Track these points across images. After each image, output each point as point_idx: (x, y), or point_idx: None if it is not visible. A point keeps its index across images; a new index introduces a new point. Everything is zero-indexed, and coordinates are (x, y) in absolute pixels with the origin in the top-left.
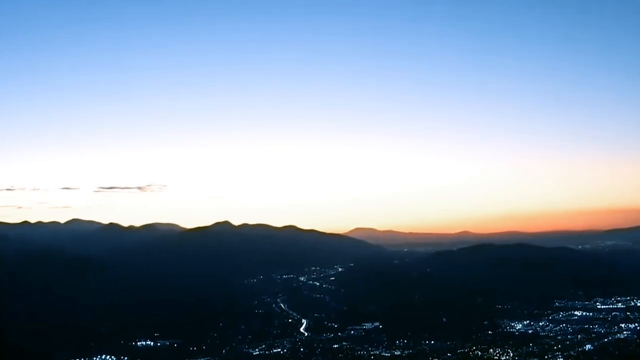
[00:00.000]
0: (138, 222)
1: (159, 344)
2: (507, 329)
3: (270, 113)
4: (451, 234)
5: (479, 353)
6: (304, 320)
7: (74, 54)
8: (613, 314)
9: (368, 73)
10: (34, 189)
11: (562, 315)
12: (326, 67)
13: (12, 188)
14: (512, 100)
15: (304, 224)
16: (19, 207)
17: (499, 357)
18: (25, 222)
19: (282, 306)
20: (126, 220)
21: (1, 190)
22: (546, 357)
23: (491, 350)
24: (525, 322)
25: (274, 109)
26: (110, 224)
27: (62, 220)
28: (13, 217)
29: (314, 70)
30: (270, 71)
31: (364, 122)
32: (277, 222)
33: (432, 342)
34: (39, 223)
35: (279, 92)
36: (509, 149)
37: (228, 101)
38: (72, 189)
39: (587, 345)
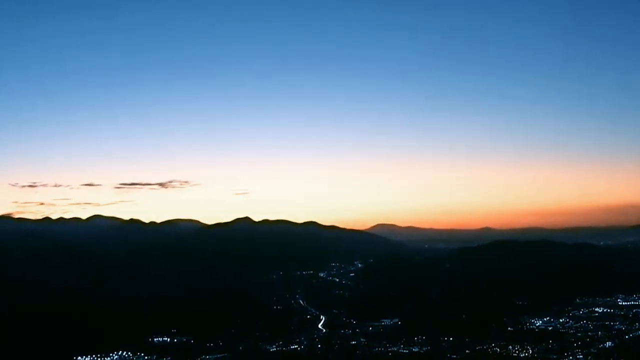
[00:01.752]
0: (159, 219)
1: (175, 340)
2: (527, 326)
3: (291, 109)
4: (472, 230)
5: (498, 350)
6: (322, 317)
7: (95, 50)
8: (634, 310)
9: (385, 69)
10: (56, 186)
11: (582, 311)
12: (346, 60)
13: (34, 184)
14: (532, 96)
15: (325, 220)
16: (41, 204)
17: (518, 354)
18: (47, 219)
19: (301, 302)
20: (147, 216)
21: (23, 186)
22: (566, 354)
23: (510, 347)
24: (545, 319)
25: (295, 105)
26: (131, 220)
27: (84, 217)
28: (35, 214)
29: (337, 64)
30: (296, 66)
31: (386, 118)
32: (298, 218)
33: (451, 338)
34: (61, 219)
35: (301, 88)
36: (533, 144)
37: (250, 97)
38: (94, 185)
39: (607, 343)
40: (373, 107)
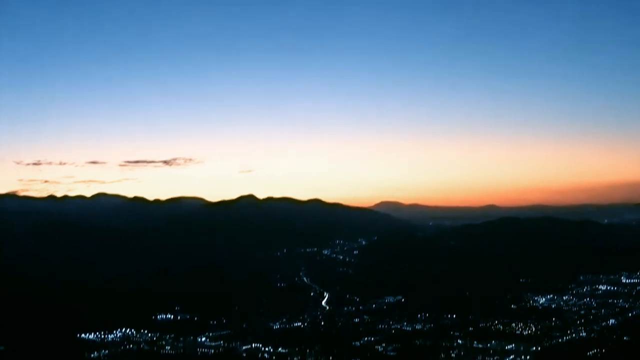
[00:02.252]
0: (164, 196)
1: (179, 318)
2: (530, 303)
3: (295, 86)
4: (477, 207)
5: (501, 327)
6: (326, 294)
7: (99, 26)
8: (638, 288)
9: (387, 46)
10: (61, 164)
11: (586, 289)
12: (349, 36)
13: (38, 163)
14: (538, 73)
15: (329, 198)
16: (46, 182)
17: (521, 331)
18: (51, 197)
19: (305, 280)
20: (152, 194)
21: (28, 164)
22: (569, 331)
23: (513, 324)
24: (548, 296)
25: (299, 82)
26: (135, 197)
27: (88, 195)
28: (40, 192)
29: (340, 40)
30: (300, 43)
31: (391, 95)
32: (302, 195)
33: (454, 315)
34: (65, 197)
35: (305, 65)
36: (538, 121)
37: (254, 75)
38: (98, 163)
39: (610, 320)
40: (377, 83)
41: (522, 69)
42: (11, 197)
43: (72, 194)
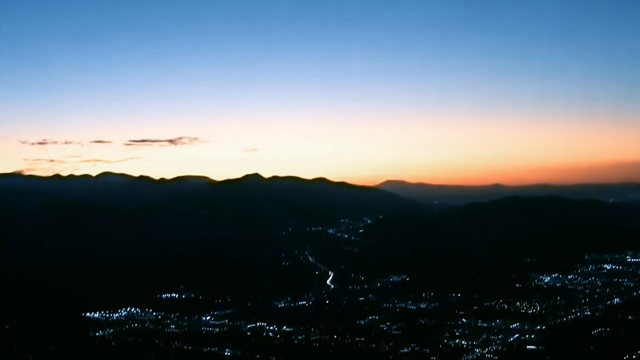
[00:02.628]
0: (169, 175)
1: (184, 297)
2: (535, 282)
3: (300, 65)
4: (483, 186)
5: (506, 306)
6: (330, 273)
7: (103, 4)
8: None
9: (392, 22)
10: (66, 143)
11: (591, 268)
12: (353, 14)
13: (44, 142)
14: (543, 52)
15: (334, 176)
16: (51, 161)
17: (525, 310)
18: (57, 176)
19: (310, 258)
20: (157, 173)
21: (33, 143)
22: (574, 310)
23: (518, 303)
24: (553, 275)
25: (305, 61)
26: (141, 176)
27: (94, 174)
28: (45, 171)
29: (344, 18)
30: (304, 20)
31: (396, 73)
32: (307, 174)
33: (459, 294)
34: (71, 176)
35: (309, 43)
36: (543, 100)
37: (259, 53)
38: (103, 142)
39: (615, 299)
40: (383, 60)
41: (526, 48)
42: (17, 176)
43: (77, 173)
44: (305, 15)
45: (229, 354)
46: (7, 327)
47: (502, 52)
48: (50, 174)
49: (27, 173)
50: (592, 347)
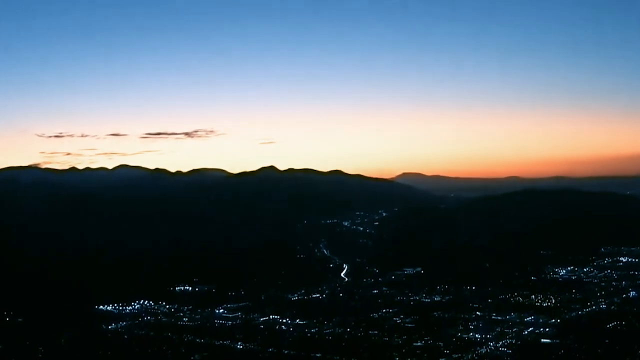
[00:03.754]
0: (185, 168)
1: (197, 289)
2: (550, 275)
3: (317, 57)
4: (499, 178)
5: (520, 299)
6: (345, 265)
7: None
8: None
9: (409, 15)
10: (82, 136)
11: (607, 261)
12: (370, 6)
13: (60, 135)
14: (559, 44)
15: (350, 169)
16: (68, 154)
17: (540, 303)
18: (73, 168)
19: (324, 251)
20: (173, 165)
21: (50, 137)
22: (589, 303)
23: (533, 296)
24: (569, 268)
25: (320, 53)
26: (157, 169)
27: (110, 167)
28: (62, 164)
29: (362, 11)
30: (321, 14)
31: (413, 65)
32: (323, 166)
33: (474, 287)
34: (87, 169)
35: (326, 36)
36: (561, 93)
37: (276, 46)
38: (120, 135)
39: (631, 292)
40: (399, 54)
41: (542, 40)
42: (33, 169)
43: (93, 166)
44: (321, 9)
45: (241, 347)
46: (20, 319)
47: (519, 45)
48: (66, 167)
49: (43, 166)
50: (607, 341)
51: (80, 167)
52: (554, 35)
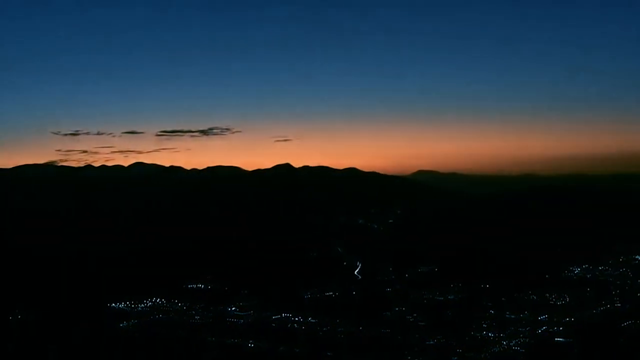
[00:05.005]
0: (201, 165)
1: (209, 287)
2: (565, 273)
3: (332, 55)
4: (516, 176)
5: (534, 298)
6: (359, 263)
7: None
8: None
9: (425, 12)
10: (98, 134)
11: (622, 259)
12: (389, 5)
13: (76, 133)
14: (574, 42)
15: (365, 166)
16: (84, 152)
17: (554, 301)
18: (89, 166)
19: (338, 249)
20: (189, 163)
21: (66, 134)
22: (604, 302)
23: (547, 294)
24: (584, 266)
25: (335, 51)
26: (172, 167)
27: (126, 164)
28: (78, 162)
29: (379, 9)
30: (337, 11)
31: (427, 63)
32: (338, 164)
33: (487, 285)
34: (103, 167)
35: (341, 33)
36: (577, 89)
37: (290, 44)
38: (136, 133)
39: None
40: (414, 50)
41: (557, 37)
42: (49, 167)
43: (109, 164)
44: (335, 6)
45: (252, 345)
46: (31, 317)
47: (533, 42)
48: (82, 164)
49: (59, 164)
50: (621, 340)
51: (96, 164)
52: (568, 34)
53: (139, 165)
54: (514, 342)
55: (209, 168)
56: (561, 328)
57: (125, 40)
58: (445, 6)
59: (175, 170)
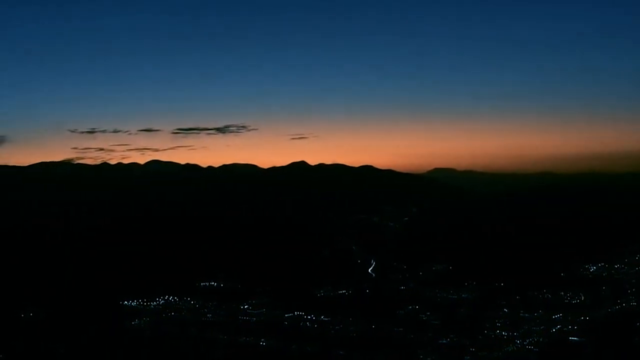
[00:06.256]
0: (217, 163)
1: (222, 285)
2: (580, 271)
3: (348, 52)
4: (531, 174)
5: (549, 296)
6: (372, 261)
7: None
8: None
9: (444, 12)
10: (115, 132)
11: (638, 257)
12: (398, 10)
13: (93, 130)
14: (590, 39)
15: (381, 164)
16: (100, 149)
17: (569, 300)
18: (105, 164)
19: (353, 247)
20: (205, 161)
21: (82, 132)
22: (619, 300)
23: (562, 293)
24: (599, 265)
25: (353, 50)
26: (188, 164)
27: (142, 162)
28: (94, 160)
29: (396, 6)
30: (352, 9)
31: (444, 59)
32: (354, 161)
33: (502, 284)
34: (119, 164)
35: (356, 31)
36: (595, 87)
37: (306, 41)
38: (152, 131)
39: None
40: (431, 47)
41: (573, 41)
42: (66, 164)
43: (125, 161)
44: (353, 4)
45: (263, 344)
46: (41, 315)
47: (553, 39)
48: (98, 162)
49: (76, 162)
50: (636, 339)
51: (113, 162)
52: (594, 30)
53: (155, 163)
54: (527, 341)
55: (225, 166)
56: (576, 327)
57: (142, 40)
58: (464, 3)
59: (192, 168)
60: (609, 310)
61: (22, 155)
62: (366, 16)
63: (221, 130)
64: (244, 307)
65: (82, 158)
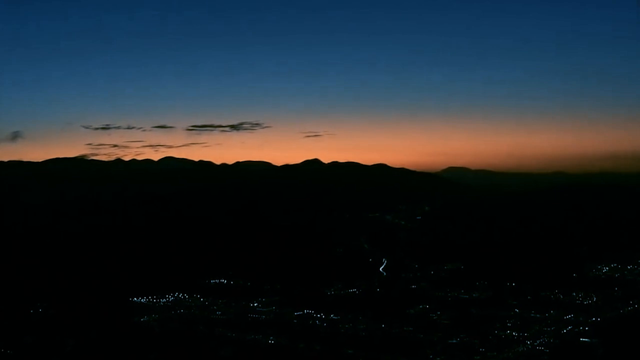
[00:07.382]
0: (230, 160)
1: (231, 283)
2: (592, 272)
3: (362, 53)
4: (545, 173)
5: (561, 297)
6: (384, 260)
7: None
8: None
9: (458, 11)
10: (129, 128)
11: None
12: (412, 9)
13: (107, 127)
14: (603, 38)
15: (394, 162)
16: (114, 146)
17: (581, 301)
18: (119, 160)
19: (365, 245)
20: (219, 157)
21: (97, 129)
22: (631, 302)
23: (574, 293)
24: (612, 266)
25: (368, 49)
26: (201, 161)
27: (156, 159)
28: (108, 156)
29: (404, 12)
30: (366, 8)
31: (457, 59)
32: (367, 159)
33: (514, 284)
34: (133, 161)
35: (371, 30)
36: (608, 86)
37: (321, 39)
38: (166, 127)
39: None
40: (445, 47)
41: (588, 41)
42: (80, 160)
43: (139, 158)
44: (365, 3)
45: (271, 342)
46: (50, 311)
47: (564, 39)
48: (112, 158)
49: (90, 158)
50: None
51: (126, 158)
52: (608, 28)
53: (169, 159)
54: (538, 341)
55: (238, 163)
56: (587, 328)
57: (157, 37)
58: (476, 2)
59: (205, 164)
60: (620, 312)
61: (37, 151)
62: (382, 15)
63: (235, 127)
64: (253, 304)
65: (96, 154)
